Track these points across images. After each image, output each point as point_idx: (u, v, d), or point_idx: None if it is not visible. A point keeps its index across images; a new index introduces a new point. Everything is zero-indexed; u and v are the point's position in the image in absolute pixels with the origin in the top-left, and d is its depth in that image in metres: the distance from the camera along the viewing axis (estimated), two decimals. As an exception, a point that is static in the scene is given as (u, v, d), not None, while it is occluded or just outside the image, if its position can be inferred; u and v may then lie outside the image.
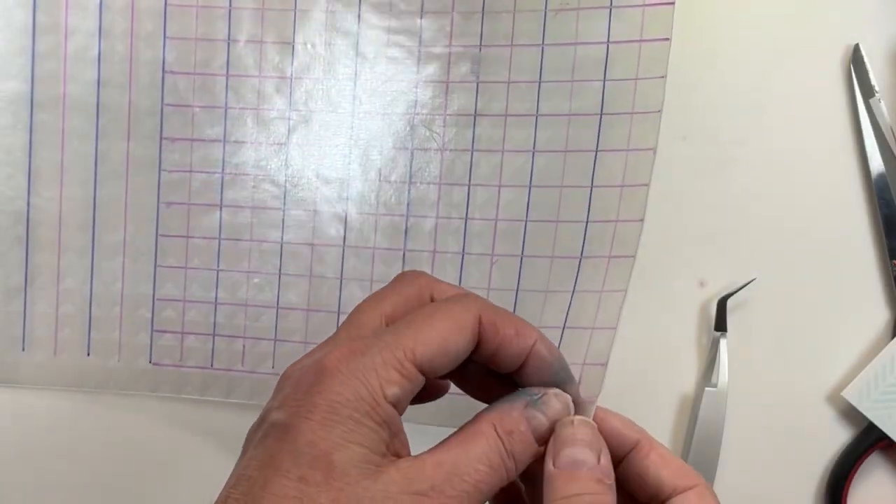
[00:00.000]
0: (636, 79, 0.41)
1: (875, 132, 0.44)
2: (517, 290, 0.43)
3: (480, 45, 0.44)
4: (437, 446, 0.30)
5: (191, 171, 0.46)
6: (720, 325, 0.45)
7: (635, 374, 0.46)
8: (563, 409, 0.32)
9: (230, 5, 0.45)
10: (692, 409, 0.45)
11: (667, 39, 0.40)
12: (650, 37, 0.41)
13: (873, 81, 0.44)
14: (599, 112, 0.42)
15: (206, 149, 0.46)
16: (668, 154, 0.45)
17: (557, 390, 0.33)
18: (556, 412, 0.32)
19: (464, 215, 0.44)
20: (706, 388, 0.45)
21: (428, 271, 0.41)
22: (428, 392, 0.33)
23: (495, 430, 0.30)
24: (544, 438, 0.32)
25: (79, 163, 0.46)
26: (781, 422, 0.45)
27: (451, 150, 0.44)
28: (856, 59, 0.44)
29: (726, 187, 0.45)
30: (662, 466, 0.33)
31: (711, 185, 0.45)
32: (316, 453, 0.28)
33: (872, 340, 0.45)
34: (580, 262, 0.41)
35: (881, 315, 0.45)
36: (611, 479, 0.32)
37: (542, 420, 0.32)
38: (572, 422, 0.32)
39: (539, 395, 0.32)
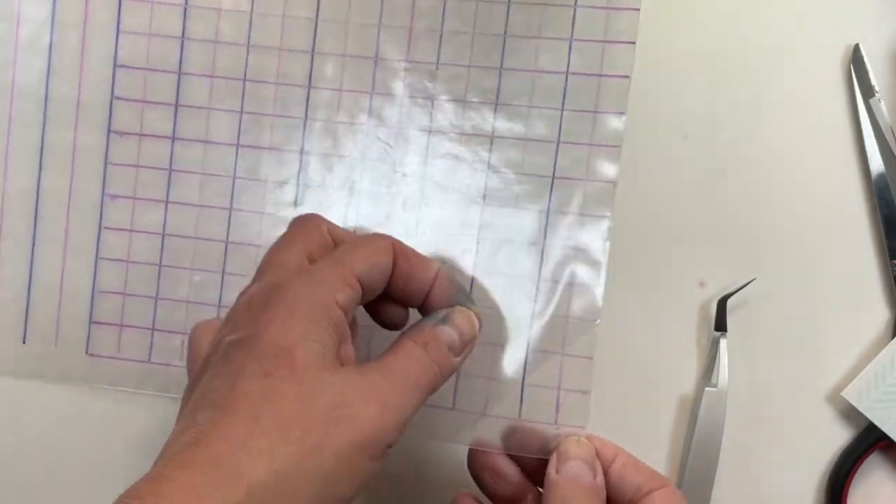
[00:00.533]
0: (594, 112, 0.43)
1: (875, 132, 0.44)
2: None
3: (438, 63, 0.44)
4: (371, 362, 0.34)
5: (138, 166, 0.46)
6: (720, 325, 0.45)
7: (635, 374, 0.46)
8: (467, 321, 0.38)
9: (186, 3, 0.45)
10: (692, 409, 0.45)
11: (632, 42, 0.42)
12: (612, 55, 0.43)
13: (873, 81, 0.44)
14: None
15: (154, 144, 0.46)
16: (668, 154, 0.45)
17: (461, 307, 0.38)
18: (461, 324, 0.37)
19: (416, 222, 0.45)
20: (706, 388, 0.44)
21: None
22: (380, 317, 0.38)
23: (414, 342, 0.35)
24: (457, 350, 0.37)
25: (24, 151, 0.46)
26: (781, 422, 0.45)
27: (401, 172, 0.44)
28: (856, 59, 0.44)
29: (726, 187, 0.45)
30: (636, 473, 0.38)
31: (711, 185, 0.45)
32: (278, 351, 0.31)
33: (872, 340, 0.45)
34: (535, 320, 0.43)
35: (881, 315, 0.45)
36: (604, 494, 0.38)
37: (450, 332, 0.37)
38: (578, 440, 0.39)
39: (445, 314, 0.37)
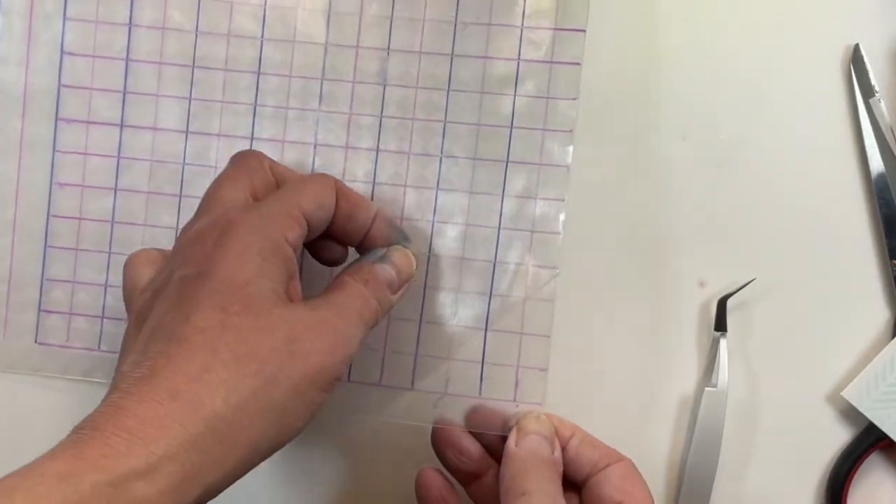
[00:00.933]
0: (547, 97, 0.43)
1: (875, 132, 0.44)
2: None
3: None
4: (317, 298, 0.36)
5: (86, 154, 0.46)
6: (720, 325, 0.45)
7: (635, 374, 0.46)
8: (404, 259, 0.39)
9: None
10: (692, 409, 0.45)
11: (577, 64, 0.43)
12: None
13: (873, 81, 0.44)
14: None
15: (102, 132, 0.45)
16: (667, 154, 0.45)
17: (399, 246, 0.40)
18: (399, 262, 0.39)
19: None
20: (706, 388, 0.44)
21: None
22: (320, 254, 0.40)
23: (354, 279, 0.37)
24: (395, 287, 0.39)
25: None
26: (781, 422, 0.45)
27: (353, 149, 0.45)
28: (856, 59, 0.44)
29: (726, 187, 0.45)
30: (593, 450, 0.41)
31: (711, 185, 0.45)
32: (233, 287, 0.33)
33: (872, 340, 0.45)
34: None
35: (881, 315, 0.45)
36: (560, 468, 0.40)
37: (389, 270, 0.39)
38: (537, 417, 0.41)
39: (383, 252, 0.39)
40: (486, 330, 0.44)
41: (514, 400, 0.43)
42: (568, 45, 0.43)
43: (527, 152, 0.44)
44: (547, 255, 0.43)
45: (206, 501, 0.31)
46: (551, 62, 0.43)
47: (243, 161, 0.39)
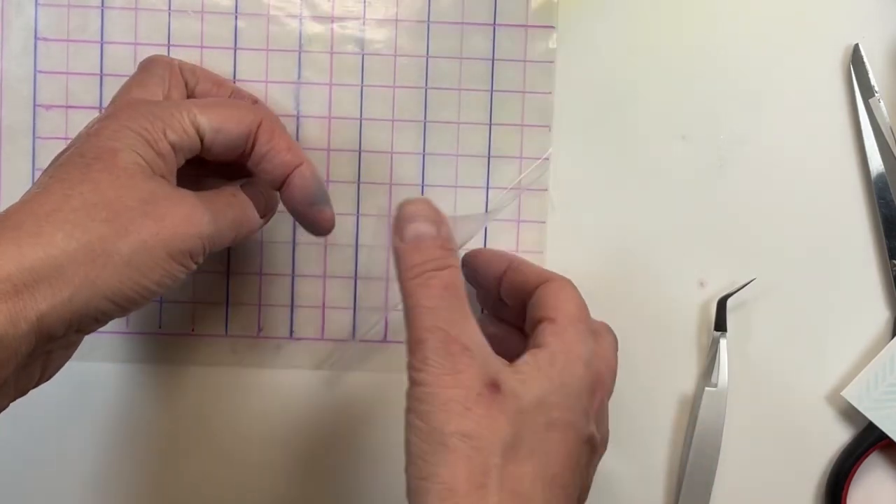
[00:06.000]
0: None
1: (875, 132, 0.44)
2: None
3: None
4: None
5: (66, 139, 0.45)
6: (720, 325, 0.45)
7: (635, 374, 0.46)
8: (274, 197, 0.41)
9: None
10: (692, 409, 0.45)
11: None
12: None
13: (873, 81, 0.44)
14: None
15: (82, 116, 0.45)
16: (667, 154, 0.45)
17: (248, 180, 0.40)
18: (273, 195, 0.41)
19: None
20: (706, 388, 0.44)
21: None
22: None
23: (231, 186, 0.39)
24: (261, 210, 0.39)
25: None
26: (781, 422, 0.45)
27: (336, 119, 0.45)
28: (856, 59, 0.44)
29: (726, 187, 0.45)
30: (529, 274, 0.39)
31: (711, 185, 0.45)
32: (102, 151, 0.34)
33: (872, 340, 0.45)
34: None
35: (881, 315, 0.45)
36: (452, 245, 0.36)
37: (261, 194, 0.40)
38: (411, 200, 0.36)
39: (281, 182, 0.39)
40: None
41: None
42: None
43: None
44: (535, 243, 0.45)
45: (44, 340, 0.32)
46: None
47: (151, 67, 0.40)
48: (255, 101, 0.44)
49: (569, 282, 0.38)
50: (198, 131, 0.37)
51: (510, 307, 0.40)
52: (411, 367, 0.33)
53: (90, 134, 0.36)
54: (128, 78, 0.40)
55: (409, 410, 0.33)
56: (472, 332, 0.34)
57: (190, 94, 0.41)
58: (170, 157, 0.36)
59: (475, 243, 0.45)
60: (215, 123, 0.37)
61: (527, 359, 0.35)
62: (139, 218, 0.34)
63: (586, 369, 0.35)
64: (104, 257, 0.33)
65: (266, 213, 0.40)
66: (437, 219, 0.36)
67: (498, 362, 0.34)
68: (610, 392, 0.38)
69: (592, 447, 0.35)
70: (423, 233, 0.35)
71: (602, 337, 0.38)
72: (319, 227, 0.40)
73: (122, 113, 0.36)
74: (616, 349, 0.39)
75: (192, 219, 0.35)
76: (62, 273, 0.32)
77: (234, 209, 0.38)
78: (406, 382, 0.33)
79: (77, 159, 0.34)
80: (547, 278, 0.38)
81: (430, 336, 0.33)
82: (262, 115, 0.38)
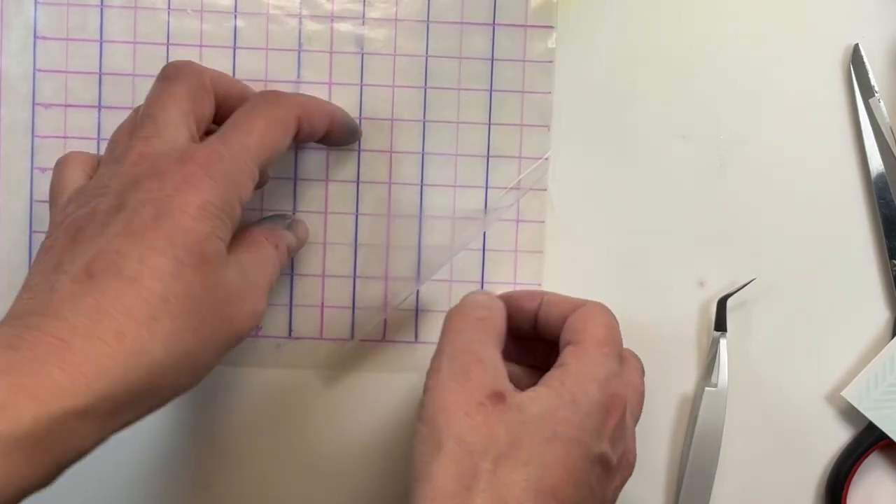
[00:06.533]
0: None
1: (875, 132, 0.44)
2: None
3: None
4: (241, 253, 0.37)
5: (65, 137, 0.45)
6: (720, 325, 0.45)
7: (635, 374, 0.46)
8: (305, 233, 0.43)
9: None
10: (692, 409, 0.45)
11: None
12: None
13: (873, 81, 0.44)
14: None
15: (80, 114, 0.45)
16: (667, 154, 0.45)
17: (302, 220, 0.43)
18: (302, 234, 0.42)
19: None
20: (706, 388, 0.44)
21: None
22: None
23: (268, 241, 0.39)
24: (292, 251, 0.41)
25: None
26: (781, 422, 0.45)
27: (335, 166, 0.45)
28: (856, 59, 0.44)
29: (726, 187, 0.45)
30: (563, 304, 0.39)
31: (711, 185, 0.45)
32: (190, 241, 0.33)
33: (872, 340, 0.45)
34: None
35: (881, 315, 0.45)
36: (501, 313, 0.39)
37: (292, 238, 0.41)
38: (475, 292, 0.41)
39: (290, 220, 0.42)
40: None
41: None
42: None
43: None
44: (533, 242, 0.45)
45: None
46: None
47: (185, 80, 0.38)
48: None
49: (601, 306, 0.39)
50: (260, 170, 0.37)
51: (541, 353, 0.41)
52: (427, 377, 0.35)
53: (172, 205, 0.33)
54: (152, 85, 0.38)
55: (417, 417, 0.35)
56: (491, 354, 0.36)
57: (218, 108, 0.39)
58: (239, 216, 0.36)
59: (475, 243, 0.45)
60: (271, 151, 0.37)
61: (542, 380, 0.36)
62: (219, 325, 0.34)
63: (600, 390, 0.36)
64: (185, 372, 0.33)
65: (292, 255, 0.42)
66: (496, 305, 0.39)
67: (510, 384, 0.35)
68: (636, 416, 0.39)
69: (605, 466, 0.36)
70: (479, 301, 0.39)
71: (628, 362, 0.39)
72: (353, 142, 0.44)
73: (202, 182, 0.34)
74: (642, 374, 0.40)
75: (257, 312, 0.36)
76: (154, 389, 0.32)
77: (277, 271, 0.39)
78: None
79: (166, 246, 0.32)
80: (580, 305, 0.39)
81: (450, 348, 0.36)
82: (296, 105, 0.39)
